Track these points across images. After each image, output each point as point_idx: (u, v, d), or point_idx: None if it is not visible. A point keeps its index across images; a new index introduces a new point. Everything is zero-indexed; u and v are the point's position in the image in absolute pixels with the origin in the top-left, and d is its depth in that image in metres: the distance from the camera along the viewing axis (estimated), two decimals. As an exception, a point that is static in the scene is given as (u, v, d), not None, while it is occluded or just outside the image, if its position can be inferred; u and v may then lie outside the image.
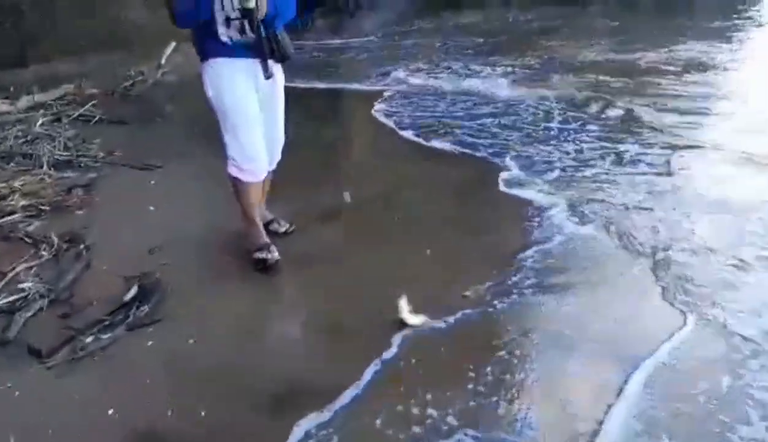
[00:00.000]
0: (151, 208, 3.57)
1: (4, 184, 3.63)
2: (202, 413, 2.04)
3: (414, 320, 2.43)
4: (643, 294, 2.66)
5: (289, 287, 2.88)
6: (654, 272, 2.80)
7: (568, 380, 2.18)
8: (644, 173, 3.93)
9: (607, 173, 3.95)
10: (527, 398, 2.08)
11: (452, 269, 2.88)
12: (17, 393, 2.17)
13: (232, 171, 2.85)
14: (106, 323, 2.44)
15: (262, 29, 2.61)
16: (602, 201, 3.53)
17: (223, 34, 2.62)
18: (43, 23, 6.14)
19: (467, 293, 2.63)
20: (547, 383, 2.16)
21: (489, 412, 2.03)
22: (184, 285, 2.77)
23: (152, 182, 3.96)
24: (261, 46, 2.63)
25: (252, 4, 2.54)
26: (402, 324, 2.42)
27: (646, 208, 3.42)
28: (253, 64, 2.67)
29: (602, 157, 4.23)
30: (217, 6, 2.57)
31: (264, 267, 2.87)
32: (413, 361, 2.27)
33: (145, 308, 2.55)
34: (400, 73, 6.92)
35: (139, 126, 5.19)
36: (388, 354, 2.30)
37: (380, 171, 4.24)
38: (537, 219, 3.34)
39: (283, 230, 3.22)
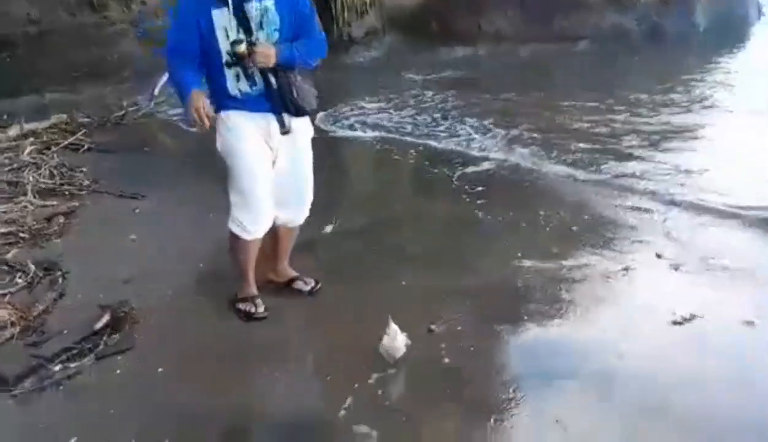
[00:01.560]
0: (132, 237, 3.58)
1: (-15, 212, 3.66)
2: (165, 442, 2.03)
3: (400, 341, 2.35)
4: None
5: (264, 321, 2.77)
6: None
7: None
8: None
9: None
10: None
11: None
12: (-20, 421, 2.16)
13: (233, 226, 2.66)
14: (75, 351, 2.45)
15: (272, 79, 2.42)
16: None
17: (233, 87, 2.45)
18: (36, 56, 6.25)
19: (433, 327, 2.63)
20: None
21: None
22: (158, 315, 2.78)
23: (136, 211, 3.98)
24: (273, 98, 2.45)
25: (242, 49, 2.33)
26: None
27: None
28: (266, 118, 2.50)
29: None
30: (225, 58, 2.38)
31: (246, 318, 2.74)
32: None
33: (116, 337, 2.56)
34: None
35: (127, 155, 5.21)
36: (364, 386, 2.29)
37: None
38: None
39: (308, 288, 2.92)
